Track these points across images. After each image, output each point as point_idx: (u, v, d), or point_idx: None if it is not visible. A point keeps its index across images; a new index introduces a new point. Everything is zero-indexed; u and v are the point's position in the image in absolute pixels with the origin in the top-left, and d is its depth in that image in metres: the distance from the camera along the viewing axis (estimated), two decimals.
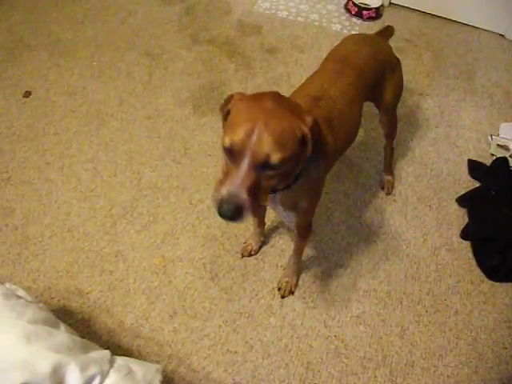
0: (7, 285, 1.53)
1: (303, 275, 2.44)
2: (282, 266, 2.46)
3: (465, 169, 2.95)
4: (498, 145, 3.02)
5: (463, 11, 3.98)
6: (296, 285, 2.43)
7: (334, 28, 3.90)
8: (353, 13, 4.01)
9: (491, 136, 3.10)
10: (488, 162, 2.96)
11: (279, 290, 2.41)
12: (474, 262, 2.55)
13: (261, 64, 3.52)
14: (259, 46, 3.67)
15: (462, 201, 2.78)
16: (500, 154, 2.98)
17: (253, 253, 2.51)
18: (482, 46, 3.88)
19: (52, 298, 2.32)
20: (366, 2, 4.03)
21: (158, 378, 1.30)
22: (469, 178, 2.91)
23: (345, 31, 3.82)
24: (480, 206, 2.70)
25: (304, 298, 2.36)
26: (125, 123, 3.08)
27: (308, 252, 2.52)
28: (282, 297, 2.39)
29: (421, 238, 2.62)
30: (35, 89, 3.31)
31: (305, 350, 2.19)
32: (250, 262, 2.47)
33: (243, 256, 2.50)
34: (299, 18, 3.96)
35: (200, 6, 4.03)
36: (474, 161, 2.98)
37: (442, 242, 2.62)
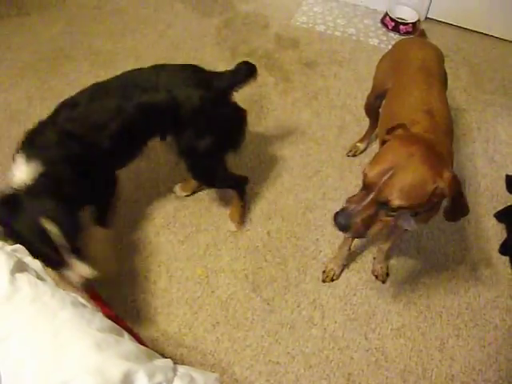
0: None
1: (344, 287, 2.47)
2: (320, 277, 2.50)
3: (503, 184, 2.96)
4: None
5: (499, 26, 4.00)
6: (388, 267, 2.52)
7: (371, 42, 3.94)
8: (389, 27, 4.04)
9: None
10: None
11: (376, 277, 2.49)
12: None
13: (300, 78, 3.56)
14: (298, 59, 3.71)
15: (501, 216, 2.78)
16: None
17: (335, 278, 2.50)
18: None
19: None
20: (402, 17, 4.07)
21: None
22: (507, 193, 2.92)
23: (382, 46, 3.85)
24: None
25: (345, 309, 2.39)
26: None
27: (350, 266, 2.56)
28: (383, 282, 2.48)
29: (459, 253, 2.63)
30: None
31: (346, 362, 2.22)
32: (292, 273, 2.50)
33: (324, 282, 2.49)
34: (336, 33, 4.00)
35: (238, 19, 4.09)
36: None
37: (481, 256, 2.63)
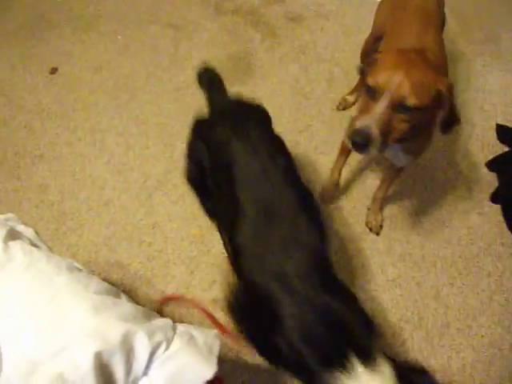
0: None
1: (338, 241, 2.48)
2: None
3: (493, 133, 2.96)
4: None
5: None
6: (383, 219, 2.54)
7: None
8: None
9: None
10: None
11: (370, 230, 2.51)
12: (504, 225, 2.58)
13: (286, 33, 3.51)
14: (283, 14, 3.65)
15: (492, 165, 2.79)
16: None
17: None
18: (506, 9, 3.82)
19: (92, 271, 2.36)
20: None
21: (217, 343, 1.34)
22: (497, 142, 2.92)
23: None
24: (509, 170, 2.71)
25: (340, 262, 2.40)
26: (154, 96, 3.09)
27: (344, 219, 2.57)
28: (377, 234, 2.51)
29: (452, 202, 2.65)
30: (61, 65, 3.30)
31: None
32: None
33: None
34: None
35: None
36: (502, 125, 2.98)
37: (473, 205, 2.65)
